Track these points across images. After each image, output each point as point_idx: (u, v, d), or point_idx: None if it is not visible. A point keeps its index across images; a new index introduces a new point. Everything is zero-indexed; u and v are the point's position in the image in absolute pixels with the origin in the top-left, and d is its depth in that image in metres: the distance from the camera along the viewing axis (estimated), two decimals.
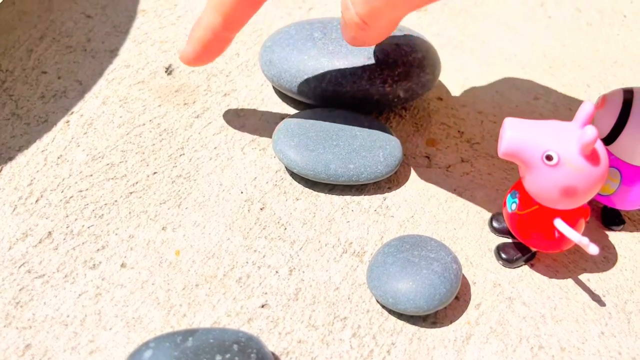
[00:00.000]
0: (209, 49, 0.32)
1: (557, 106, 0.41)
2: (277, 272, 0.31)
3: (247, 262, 0.31)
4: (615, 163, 0.32)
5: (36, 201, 0.33)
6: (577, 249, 0.33)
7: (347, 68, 0.35)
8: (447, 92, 0.41)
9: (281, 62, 0.36)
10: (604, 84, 0.43)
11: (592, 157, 0.27)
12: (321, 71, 0.36)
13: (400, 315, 0.30)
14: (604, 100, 0.32)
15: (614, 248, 0.34)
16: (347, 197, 0.35)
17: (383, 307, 0.30)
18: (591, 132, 0.26)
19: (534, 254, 0.33)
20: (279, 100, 0.39)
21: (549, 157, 0.27)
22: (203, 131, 0.37)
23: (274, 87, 0.39)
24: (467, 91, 0.41)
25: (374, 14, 0.27)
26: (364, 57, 0.36)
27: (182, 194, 0.34)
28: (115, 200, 0.33)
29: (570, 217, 0.29)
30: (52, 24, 0.42)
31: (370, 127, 0.35)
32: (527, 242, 0.31)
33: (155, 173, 0.35)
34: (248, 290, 0.30)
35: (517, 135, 0.27)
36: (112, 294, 0.30)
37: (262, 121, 0.38)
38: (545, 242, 0.30)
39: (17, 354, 0.27)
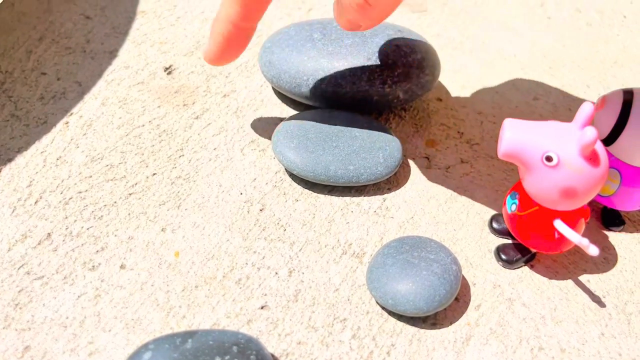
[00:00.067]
0: (232, 42, 0.31)
1: (556, 107, 0.41)
2: (276, 273, 0.31)
3: (246, 264, 0.31)
4: (615, 164, 0.32)
5: (35, 202, 0.33)
6: (577, 250, 0.33)
7: (346, 69, 0.35)
8: (447, 92, 0.41)
9: (281, 63, 0.36)
10: (603, 85, 0.43)
11: (591, 158, 0.27)
12: (321, 72, 0.35)
13: (400, 317, 0.30)
14: (603, 101, 0.32)
15: (614, 249, 0.34)
16: (347, 198, 0.35)
17: (383, 308, 0.30)
18: (591, 133, 0.25)
19: (533, 255, 0.33)
20: (279, 101, 0.39)
21: (548, 158, 0.27)
22: (202, 132, 0.37)
23: (273, 88, 0.39)
24: (467, 92, 0.41)
25: None
26: (363, 58, 0.36)
27: (182, 195, 0.34)
28: (115, 202, 0.33)
29: (570, 218, 0.29)
30: (52, 25, 0.42)
31: (369, 128, 0.35)
32: (527, 243, 0.31)
33: (154, 174, 0.35)
34: (247, 292, 0.30)
35: (516, 136, 0.27)
36: (111, 296, 0.30)
37: (261, 122, 0.38)
38: (545, 243, 0.30)
39: (16, 355, 0.27)
